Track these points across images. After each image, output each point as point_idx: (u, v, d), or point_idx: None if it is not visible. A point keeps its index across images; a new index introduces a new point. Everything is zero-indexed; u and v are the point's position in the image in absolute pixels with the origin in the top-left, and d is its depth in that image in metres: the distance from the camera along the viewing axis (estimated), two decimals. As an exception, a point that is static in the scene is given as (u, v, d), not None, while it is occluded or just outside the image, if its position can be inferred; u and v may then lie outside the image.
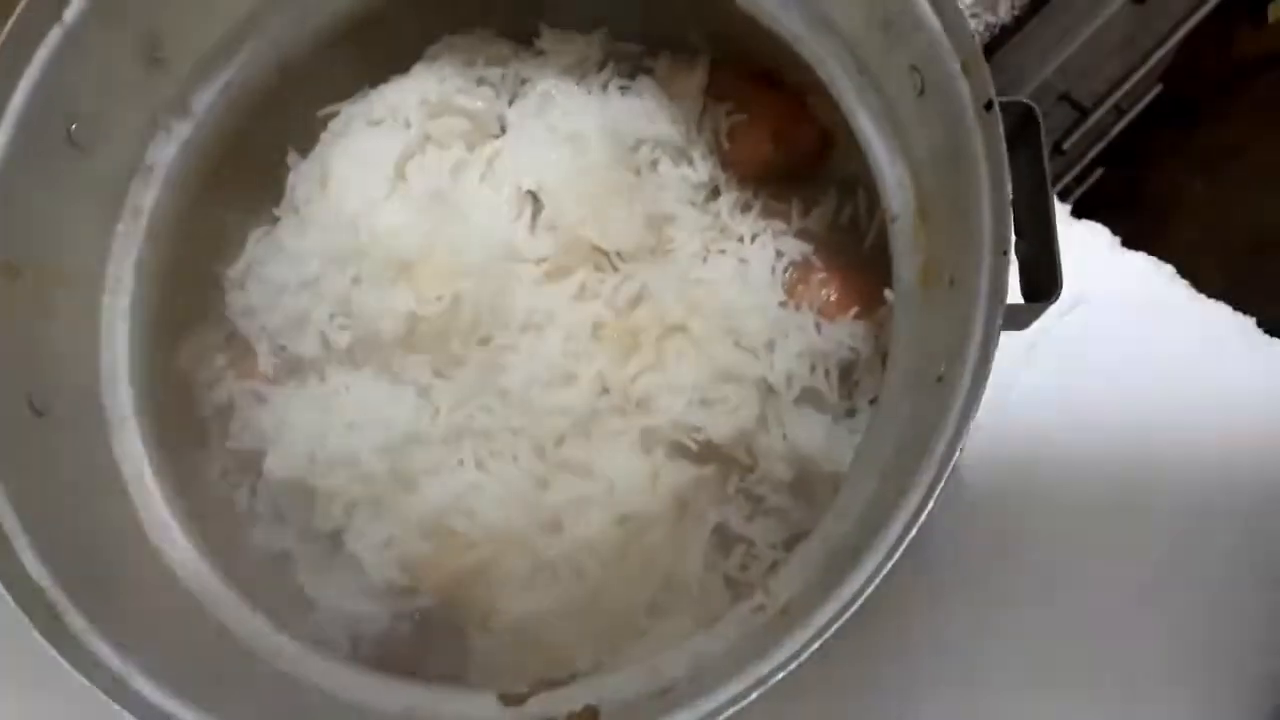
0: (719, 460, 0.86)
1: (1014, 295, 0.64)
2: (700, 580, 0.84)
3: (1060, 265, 0.65)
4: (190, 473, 0.85)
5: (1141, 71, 1.66)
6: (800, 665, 0.58)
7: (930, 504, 0.59)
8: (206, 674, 0.68)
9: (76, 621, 0.65)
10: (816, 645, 0.57)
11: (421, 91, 0.88)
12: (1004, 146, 0.62)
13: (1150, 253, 1.07)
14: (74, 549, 0.69)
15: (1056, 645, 0.94)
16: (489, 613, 0.83)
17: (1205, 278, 1.08)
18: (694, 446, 0.84)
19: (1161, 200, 1.99)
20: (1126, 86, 1.68)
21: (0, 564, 0.65)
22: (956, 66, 0.65)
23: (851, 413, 0.90)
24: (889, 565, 0.58)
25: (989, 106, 0.63)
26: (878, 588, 0.58)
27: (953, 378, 0.62)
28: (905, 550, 0.58)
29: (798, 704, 0.85)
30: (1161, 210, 1.95)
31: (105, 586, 0.69)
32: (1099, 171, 1.85)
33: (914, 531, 0.58)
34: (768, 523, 0.86)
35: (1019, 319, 0.66)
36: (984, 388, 0.60)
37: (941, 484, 0.59)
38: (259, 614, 0.75)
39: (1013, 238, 0.62)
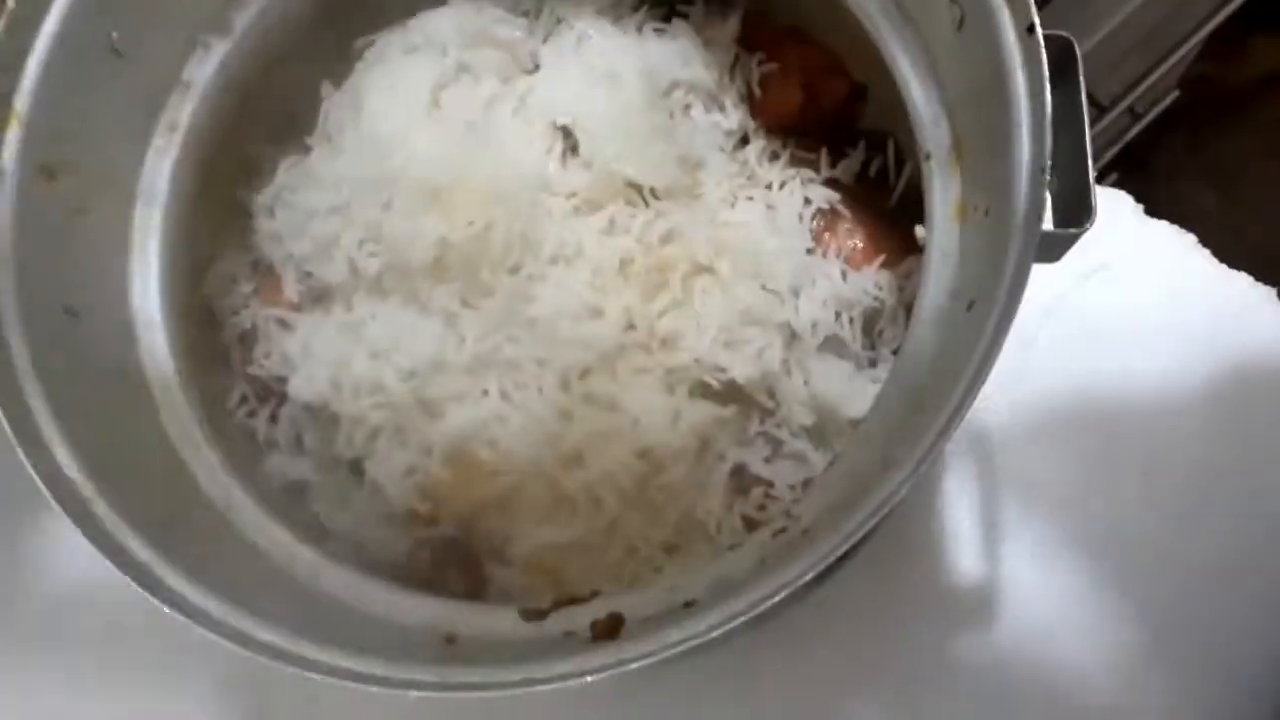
0: (740, 401, 0.86)
1: (1048, 221, 0.65)
2: (718, 519, 0.84)
3: (1094, 195, 0.65)
4: (212, 394, 0.85)
5: (1159, 72, 1.66)
6: (823, 571, 0.58)
7: (959, 420, 0.59)
8: (228, 575, 0.68)
9: (104, 512, 0.65)
10: (844, 549, 0.57)
11: (458, 20, 0.88)
12: (1045, 69, 0.62)
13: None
14: (104, 449, 0.69)
15: (1060, 620, 0.94)
16: (507, 542, 0.84)
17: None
18: (716, 386, 0.85)
19: (1173, 213, 1.99)
20: (1143, 88, 1.68)
21: (36, 459, 0.65)
22: (997, -6, 0.66)
23: (874, 362, 0.90)
24: (916, 477, 0.58)
25: (1030, 30, 0.63)
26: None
27: (985, 302, 0.62)
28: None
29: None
30: (1173, 222, 1.95)
31: (132, 486, 0.69)
32: (1113, 177, 1.86)
33: (942, 445, 0.58)
34: (786, 465, 0.86)
35: (1052, 248, 0.66)
36: (1016, 311, 0.60)
37: (971, 402, 0.59)
38: (280, 526, 0.75)
39: (1050, 162, 0.62)
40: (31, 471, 0.63)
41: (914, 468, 0.59)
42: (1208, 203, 1.99)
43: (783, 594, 0.57)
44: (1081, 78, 0.68)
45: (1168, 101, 1.79)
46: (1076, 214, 0.66)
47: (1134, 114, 1.76)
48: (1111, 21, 1.47)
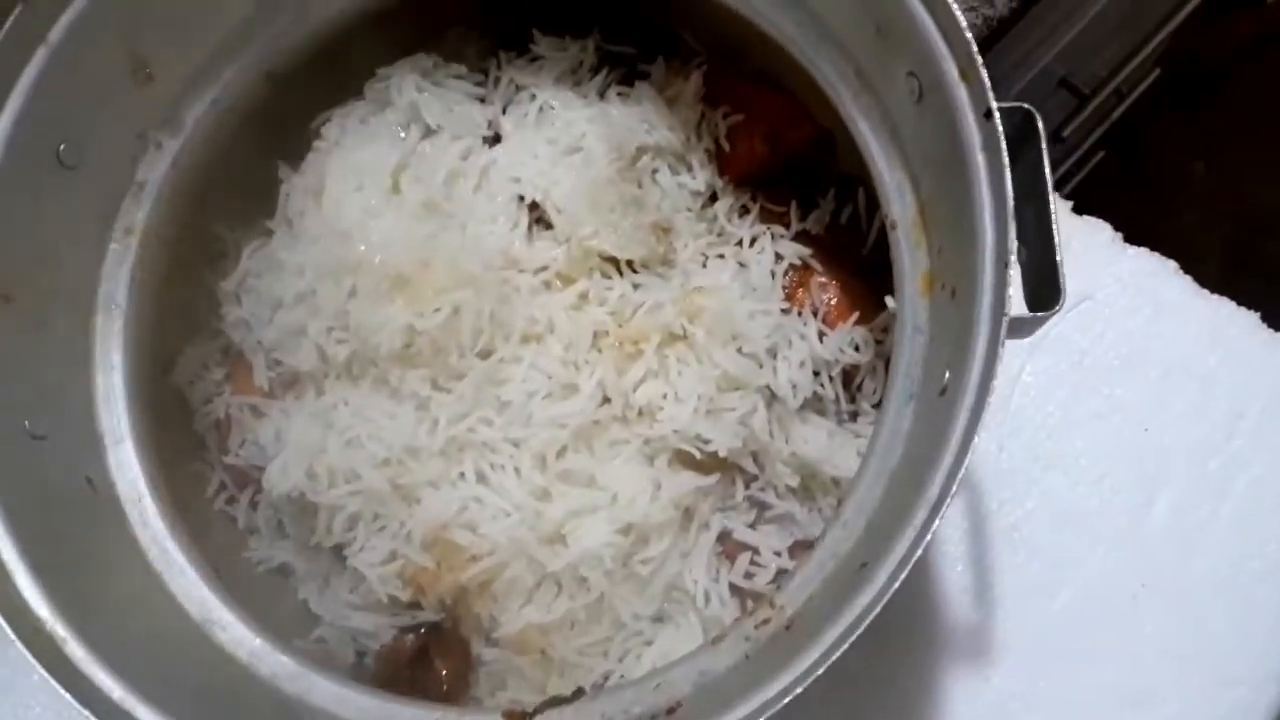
0: (722, 468, 0.85)
1: (1017, 302, 0.63)
2: (705, 589, 0.83)
3: (1063, 275, 0.64)
4: (188, 489, 0.85)
5: (1142, 55, 1.65)
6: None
7: (936, 522, 0.58)
8: (207, 697, 0.68)
9: (76, 651, 0.64)
10: (823, 668, 0.56)
11: (416, 80, 0.87)
12: (1005, 157, 0.61)
13: (1152, 236, 1.06)
14: (72, 574, 0.68)
15: (1054, 640, 0.94)
16: (493, 623, 0.83)
17: (1206, 260, 1.06)
18: (699, 455, 0.84)
19: (1162, 184, 1.98)
20: (1127, 70, 1.66)
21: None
22: (955, 72, 0.65)
23: (854, 415, 0.89)
24: (895, 584, 0.58)
25: (989, 115, 0.62)
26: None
27: (956, 392, 0.61)
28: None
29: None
30: (1163, 194, 1.94)
31: (104, 612, 0.68)
32: (1099, 156, 1.84)
33: (920, 550, 0.57)
34: (772, 529, 0.86)
35: (1022, 329, 0.65)
36: (988, 403, 0.59)
37: (948, 501, 0.58)
38: (259, 635, 0.74)
39: (1015, 248, 0.61)
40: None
41: (891, 575, 0.58)
42: (1197, 171, 1.99)
43: (764, 717, 0.57)
44: (1044, 147, 0.66)
45: (1150, 80, 1.78)
46: (1046, 291, 0.65)
47: (1119, 94, 1.74)
48: (1095, 7, 1.46)
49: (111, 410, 0.78)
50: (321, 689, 0.72)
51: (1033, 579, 0.96)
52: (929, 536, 0.57)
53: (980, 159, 0.63)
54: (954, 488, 0.58)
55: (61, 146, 0.75)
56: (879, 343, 0.88)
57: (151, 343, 0.83)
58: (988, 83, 0.62)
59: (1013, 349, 0.97)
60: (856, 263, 0.91)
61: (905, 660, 0.93)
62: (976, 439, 0.59)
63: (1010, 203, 0.61)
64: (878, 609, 0.57)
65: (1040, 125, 0.66)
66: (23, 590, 0.65)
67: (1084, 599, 0.95)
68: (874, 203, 0.90)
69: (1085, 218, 1.05)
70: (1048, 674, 0.92)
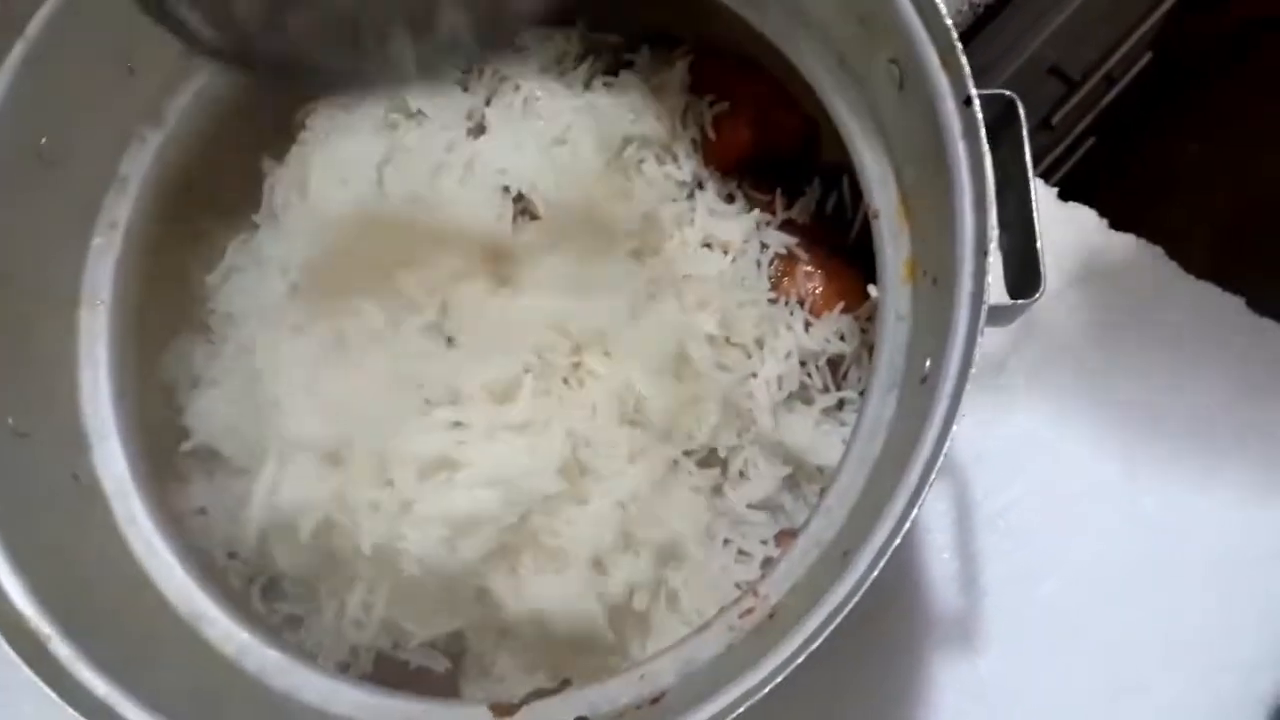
0: (707, 456, 0.86)
1: (998, 289, 0.64)
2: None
3: (1043, 262, 0.64)
4: (176, 485, 0.85)
5: (1134, 38, 1.64)
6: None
7: (916, 510, 0.58)
8: (196, 693, 0.68)
9: (60, 649, 0.64)
10: (804, 656, 0.57)
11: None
12: (985, 144, 0.61)
13: (1143, 223, 1.06)
14: (57, 571, 0.68)
15: (1041, 628, 0.94)
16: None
17: (1195, 246, 1.06)
18: (685, 443, 0.84)
19: (1153, 170, 1.96)
20: (1118, 55, 1.66)
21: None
22: (935, 60, 0.65)
23: (840, 405, 0.89)
24: (875, 572, 0.58)
25: (968, 102, 0.62)
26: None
27: (936, 380, 0.62)
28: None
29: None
30: (1154, 179, 1.93)
31: (91, 610, 0.68)
32: (1090, 142, 1.84)
33: (899, 539, 0.58)
34: (758, 517, 0.86)
35: (1003, 317, 0.65)
36: (966, 390, 0.60)
37: (926, 489, 0.58)
38: (247, 630, 0.74)
39: (995, 236, 0.61)
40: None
41: (871, 563, 0.58)
42: (1192, 154, 1.98)
43: (746, 705, 0.57)
44: (1025, 135, 0.66)
45: (1142, 63, 1.77)
46: (1027, 278, 0.65)
47: (1110, 80, 1.74)
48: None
49: (97, 406, 0.78)
50: (311, 684, 0.72)
51: (1020, 566, 0.96)
52: (908, 524, 0.57)
53: (961, 146, 0.63)
54: (933, 475, 0.58)
55: (43, 141, 0.75)
56: (864, 331, 0.89)
57: (137, 337, 0.83)
58: (968, 70, 0.62)
59: (998, 336, 0.98)
60: (842, 251, 0.91)
61: (891, 647, 0.93)
62: (956, 426, 0.59)
63: (990, 190, 0.61)
64: (857, 597, 0.57)
65: (1022, 112, 0.67)
66: (6, 588, 0.65)
67: (1072, 586, 0.95)
68: (858, 191, 0.91)
69: (1070, 204, 1.05)
70: (1035, 661, 0.92)
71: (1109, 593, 0.95)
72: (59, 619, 0.65)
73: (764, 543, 0.85)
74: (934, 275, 0.67)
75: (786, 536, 0.84)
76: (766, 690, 0.57)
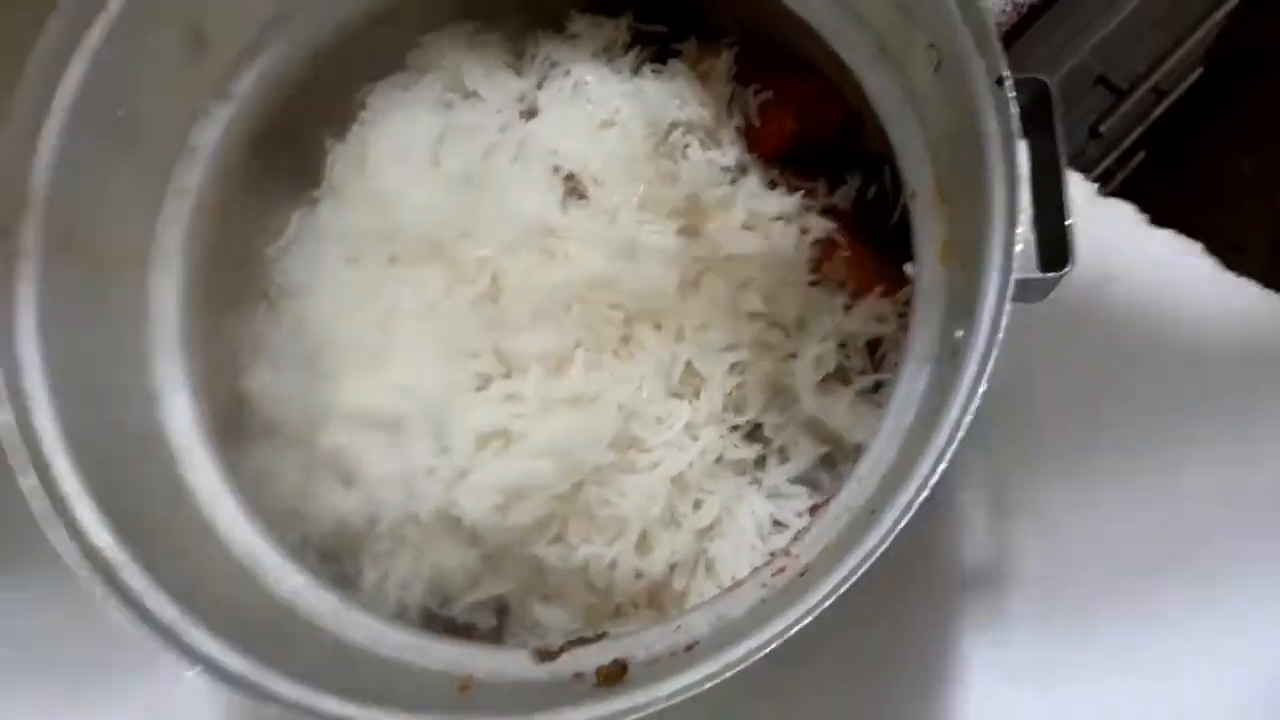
0: (752, 432, 0.89)
1: (1028, 264, 0.66)
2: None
3: (1073, 238, 0.66)
4: (237, 445, 0.89)
5: (1182, 50, 1.64)
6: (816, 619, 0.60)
7: (941, 466, 0.61)
8: (252, 628, 0.71)
9: (132, 577, 0.68)
10: (830, 600, 0.59)
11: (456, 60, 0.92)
12: (1015, 121, 0.63)
13: (1195, 229, 1.07)
14: (130, 512, 0.72)
15: (1072, 605, 0.95)
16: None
17: (1253, 260, 1.06)
18: (732, 419, 0.87)
19: (1207, 183, 1.95)
20: (1165, 68, 1.65)
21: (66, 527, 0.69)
22: (970, 43, 0.67)
23: (876, 387, 0.92)
24: (902, 524, 0.60)
25: (1000, 82, 0.64)
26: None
27: (966, 348, 0.64)
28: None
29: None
30: (1207, 194, 1.92)
31: (157, 546, 0.72)
32: (1140, 156, 1.83)
33: (926, 493, 0.60)
34: (795, 491, 0.88)
35: (1034, 291, 0.67)
36: (994, 356, 0.62)
37: (953, 446, 0.61)
38: (301, 573, 0.78)
39: (1027, 212, 0.64)
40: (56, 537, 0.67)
41: (897, 517, 0.61)
42: (1247, 168, 1.95)
43: (775, 644, 0.60)
44: (1058, 121, 0.69)
45: (1193, 78, 1.76)
46: (1057, 256, 0.68)
47: (1159, 92, 1.73)
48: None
49: (168, 363, 0.82)
50: (361, 626, 0.76)
51: (1054, 545, 0.97)
52: (935, 478, 0.60)
53: (993, 125, 0.65)
54: (960, 432, 0.61)
55: (120, 112, 0.80)
56: (901, 316, 0.91)
57: (203, 303, 0.87)
58: (1001, 51, 0.65)
59: (1033, 330, 0.99)
60: (882, 237, 0.93)
61: (922, 609, 0.95)
62: (983, 386, 0.61)
63: (1020, 168, 0.63)
64: (884, 547, 0.60)
65: (1054, 95, 0.69)
66: (83, 520, 0.69)
67: (1107, 565, 0.96)
68: (899, 181, 0.94)
69: (1110, 199, 1.06)
70: (1065, 638, 0.94)
71: (1145, 574, 0.95)
72: (130, 550, 0.69)
73: (799, 515, 0.87)
74: (967, 253, 0.69)
75: (820, 509, 0.87)
76: (793, 632, 0.59)
